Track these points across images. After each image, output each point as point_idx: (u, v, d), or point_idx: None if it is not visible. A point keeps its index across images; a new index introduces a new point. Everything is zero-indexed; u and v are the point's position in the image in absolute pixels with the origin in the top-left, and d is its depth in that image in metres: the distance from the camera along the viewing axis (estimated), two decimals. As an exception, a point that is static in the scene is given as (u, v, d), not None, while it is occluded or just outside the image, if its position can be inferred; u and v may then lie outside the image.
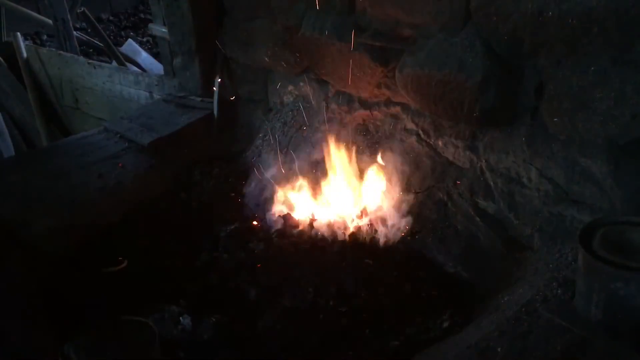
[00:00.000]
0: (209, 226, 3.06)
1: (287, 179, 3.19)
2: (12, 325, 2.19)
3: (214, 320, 2.34)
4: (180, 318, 2.34)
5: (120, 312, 1.79)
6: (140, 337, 1.66)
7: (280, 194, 3.12)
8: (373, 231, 2.83)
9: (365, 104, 3.08)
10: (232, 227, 2.98)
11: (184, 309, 2.39)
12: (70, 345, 1.60)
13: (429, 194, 2.82)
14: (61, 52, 5.72)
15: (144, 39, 7.45)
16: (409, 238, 2.80)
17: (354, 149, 3.05)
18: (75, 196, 3.10)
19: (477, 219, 2.61)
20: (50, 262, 2.72)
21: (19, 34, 5.79)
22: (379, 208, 2.90)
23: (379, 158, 2.98)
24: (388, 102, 2.96)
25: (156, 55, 6.47)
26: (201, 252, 2.84)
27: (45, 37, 7.38)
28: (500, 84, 2.33)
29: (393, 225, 2.82)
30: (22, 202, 3.02)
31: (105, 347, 1.62)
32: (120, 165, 3.37)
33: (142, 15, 8.80)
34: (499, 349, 1.90)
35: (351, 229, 2.88)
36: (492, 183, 2.59)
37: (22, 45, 5.83)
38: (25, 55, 5.83)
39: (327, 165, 3.07)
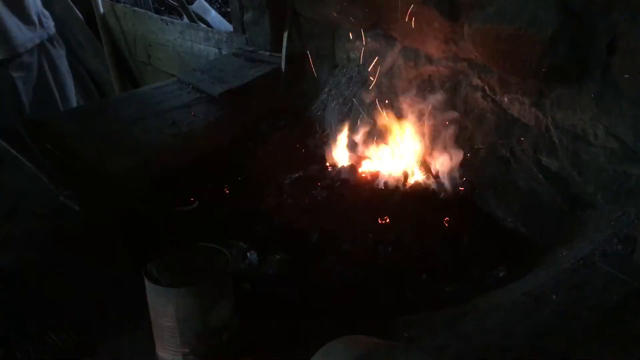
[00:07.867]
0: (273, 174, 3.17)
1: (351, 132, 3.27)
2: (94, 249, 2.40)
3: (278, 257, 2.47)
4: (248, 253, 2.48)
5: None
6: (216, 260, 1.80)
7: (345, 146, 3.21)
8: (433, 184, 2.88)
9: (431, 60, 3.10)
10: (296, 175, 3.09)
11: (251, 245, 2.53)
12: (153, 263, 1.75)
13: (492, 150, 2.83)
14: (136, 8, 5.93)
15: (213, -2, 7.58)
16: (469, 192, 2.84)
17: (418, 104, 3.08)
18: (150, 140, 3.30)
19: (540, 175, 2.62)
20: (127, 199, 2.92)
21: (96, -12, 6.04)
22: (441, 162, 2.94)
23: (442, 113, 3.00)
24: (455, 58, 2.97)
25: (224, 15, 6.60)
26: (266, 197, 2.97)
27: (120, -7, 7.63)
28: (571, 39, 2.30)
29: (453, 180, 2.87)
30: (101, 144, 3.24)
31: (184, 266, 1.76)
32: (192, 114, 3.53)
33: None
34: (554, 297, 1.95)
35: (412, 181, 2.95)
36: (557, 140, 2.58)
37: (100, 0, 6.07)
38: (102, 10, 6.08)
39: (391, 120, 3.13)
